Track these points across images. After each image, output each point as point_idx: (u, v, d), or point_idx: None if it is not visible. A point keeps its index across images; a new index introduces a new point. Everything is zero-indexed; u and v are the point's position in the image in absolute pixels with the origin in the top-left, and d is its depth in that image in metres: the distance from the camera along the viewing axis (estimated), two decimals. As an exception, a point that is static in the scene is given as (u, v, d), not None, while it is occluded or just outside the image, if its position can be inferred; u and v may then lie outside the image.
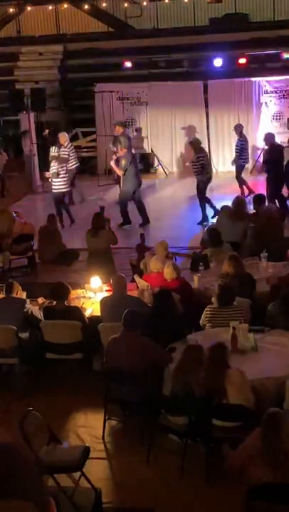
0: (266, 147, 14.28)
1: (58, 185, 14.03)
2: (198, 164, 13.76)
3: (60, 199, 14.17)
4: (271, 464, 4.46)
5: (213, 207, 13.60)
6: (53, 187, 14.12)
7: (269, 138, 14.22)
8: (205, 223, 13.42)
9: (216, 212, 13.19)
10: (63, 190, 14.17)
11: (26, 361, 7.80)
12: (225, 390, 5.71)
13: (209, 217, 13.55)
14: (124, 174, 13.93)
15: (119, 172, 14.28)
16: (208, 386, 5.77)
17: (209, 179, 13.90)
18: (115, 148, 14.57)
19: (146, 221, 13.86)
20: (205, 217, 13.57)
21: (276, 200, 13.22)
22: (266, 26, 19.41)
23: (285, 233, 10.85)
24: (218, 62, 18.49)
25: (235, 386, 5.71)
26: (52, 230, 11.95)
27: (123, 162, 14.02)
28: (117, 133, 15.19)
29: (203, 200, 13.69)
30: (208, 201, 13.70)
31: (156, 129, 19.31)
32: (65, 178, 14.16)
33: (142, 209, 13.93)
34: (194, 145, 14.21)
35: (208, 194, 13.83)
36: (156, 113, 19.17)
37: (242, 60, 18.44)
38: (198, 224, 13.50)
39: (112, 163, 14.89)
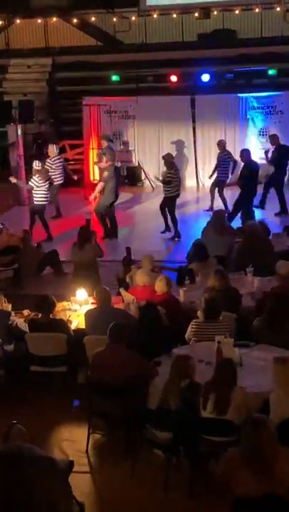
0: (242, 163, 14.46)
1: (39, 197, 14.01)
2: (166, 181, 13.88)
3: (39, 211, 14.13)
4: (254, 470, 4.41)
5: (175, 227, 13.77)
6: (34, 199, 14.12)
7: (245, 154, 14.37)
8: (177, 239, 13.62)
9: (175, 235, 13.63)
10: (43, 202, 14.13)
11: (11, 373, 7.76)
12: (229, 406, 5.71)
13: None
14: (104, 186, 14.05)
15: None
16: (217, 402, 5.74)
17: (177, 196, 14.04)
18: (98, 160, 14.70)
19: (114, 234, 13.96)
20: (177, 233, 13.72)
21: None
22: (254, 43, 19.58)
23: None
24: (205, 77, 18.62)
25: (236, 403, 5.71)
26: (26, 249, 11.57)
27: (105, 173, 14.14)
28: (102, 146, 15.43)
29: (173, 215, 13.87)
30: (175, 220, 13.86)
31: (143, 142, 19.37)
32: (46, 191, 14.14)
33: (113, 222, 14.07)
34: (166, 161, 14.26)
35: (193, 208, 13.92)
36: (144, 127, 19.24)
37: (229, 76, 18.57)
38: (170, 239, 13.70)
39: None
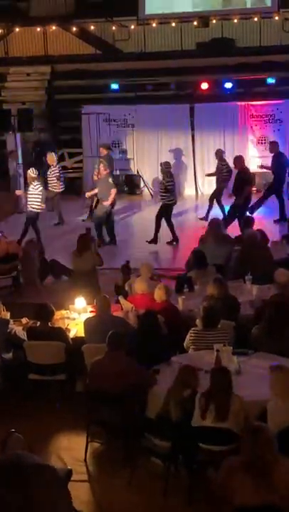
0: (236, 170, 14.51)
1: (35, 204, 13.97)
2: (164, 188, 13.91)
3: (32, 218, 14.11)
4: (252, 475, 4.40)
5: (173, 232, 13.85)
6: (30, 206, 14.10)
7: (239, 161, 14.40)
8: (175, 243, 13.75)
9: (174, 239, 13.72)
10: (38, 210, 14.10)
11: (9, 382, 7.75)
12: (228, 412, 5.70)
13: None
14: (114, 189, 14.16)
15: (93, 192, 14.58)
16: (217, 410, 5.74)
17: (174, 203, 14.10)
18: (97, 169, 14.71)
19: (112, 242, 13.97)
20: (175, 237, 13.81)
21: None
22: (252, 51, 19.63)
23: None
24: (204, 85, 18.68)
25: (234, 408, 5.70)
26: (26, 257, 11.56)
27: (110, 180, 14.15)
28: (101, 154, 15.41)
29: (170, 221, 13.92)
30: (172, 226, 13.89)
31: (142, 151, 19.42)
32: (40, 198, 14.13)
33: (111, 230, 14.07)
34: (163, 169, 14.29)
35: (192, 216, 13.94)
36: (143, 135, 19.30)
37: (228, 85, 18.63)
38: (167, 243, 13.74)
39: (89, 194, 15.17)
